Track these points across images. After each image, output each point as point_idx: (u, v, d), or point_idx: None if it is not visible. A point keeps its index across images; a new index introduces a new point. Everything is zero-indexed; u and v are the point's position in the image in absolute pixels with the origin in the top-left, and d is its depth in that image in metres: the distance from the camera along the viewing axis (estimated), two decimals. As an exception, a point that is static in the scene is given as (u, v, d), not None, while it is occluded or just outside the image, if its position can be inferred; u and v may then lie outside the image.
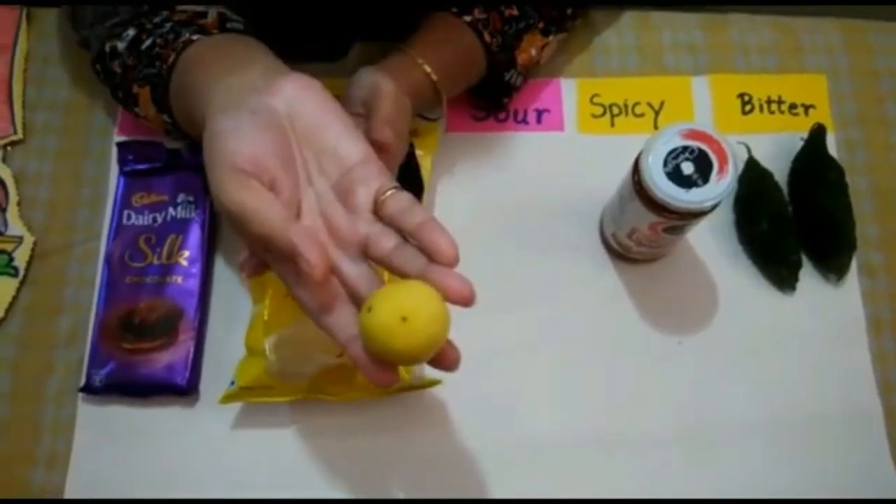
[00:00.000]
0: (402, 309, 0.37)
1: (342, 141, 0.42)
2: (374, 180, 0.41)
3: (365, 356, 0.39)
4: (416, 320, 0.37)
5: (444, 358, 0.39)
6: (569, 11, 0.64)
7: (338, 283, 0.41)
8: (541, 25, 0.62)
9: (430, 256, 0.39)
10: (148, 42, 0.52)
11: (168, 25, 0.52)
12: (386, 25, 0.61)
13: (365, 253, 0.41)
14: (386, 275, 0.43)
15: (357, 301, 0.41)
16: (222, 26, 0.52)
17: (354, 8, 0.63)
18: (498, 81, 0.62)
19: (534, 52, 0.62)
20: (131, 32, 0.54)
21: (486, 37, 0.58)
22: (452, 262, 0.38)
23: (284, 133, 0.41)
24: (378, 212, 0.41)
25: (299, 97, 0.42)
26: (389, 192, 0.41)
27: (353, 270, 0.41)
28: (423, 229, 0.39)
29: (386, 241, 0.40)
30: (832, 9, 0.72)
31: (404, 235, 0.41)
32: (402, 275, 0.40)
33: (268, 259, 0.42)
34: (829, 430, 0.60)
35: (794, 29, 0.71)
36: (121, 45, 0.54)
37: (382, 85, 0.51)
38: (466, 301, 0.38)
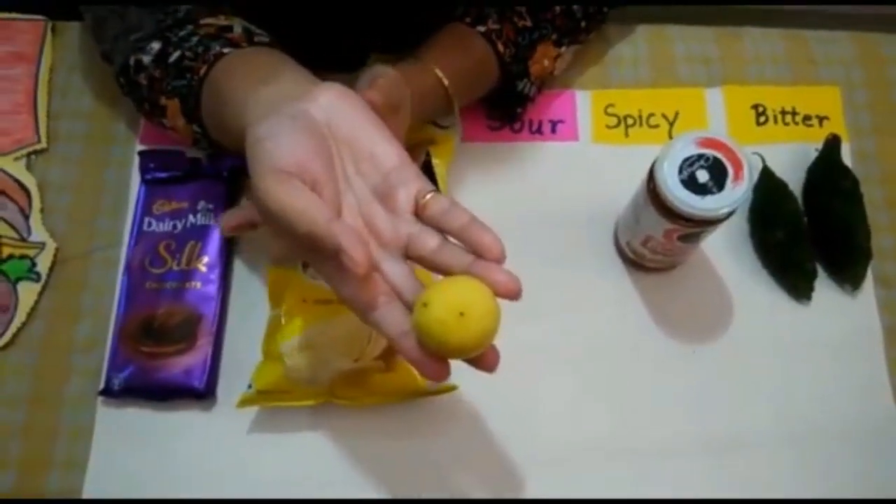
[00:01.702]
0: (460, 304, 0.37)
1: (378, 145, 0.43)
2: (412, 183, 0.42)
3: (418, 351, 0.39)
4: (473, 315, 0.37)
5: (486, 359, 0.40)
6: (583, 24, 0.64)
7: (382, 280, 0.41)
8: (554, 37, 0.62)
9: (478, 254, 0.40)
10: (176, 55, 0.53)
11: (195, 39, 0.53)
12: (401, 37, 0.62)
13: (406, 254, 0.42)
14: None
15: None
16: (250, 40, 0.53)
17: (369, 20, 0.64)
18: (511, 92, 0.63)
19: (547, 62, 0.63)
20: (156, 46, 0.55)
21: (500, 47, 0.59)
22: (501, 259, 0.39)
23: (323, 137, 0.42)
24: (420, 213, 0.42)
25: (335, 104, 0.43)
26: (430, 195, 0.42)
27: (396, 271, 0.42)
28: (469, 228, 0.40)
29: (429, 240, 0.41)
30: (845, 21, 0.73)
31: (444, 236, 0.41)
32: (447, 272, 0.40)
33: (311, 260, 0.42)
34: (844, 439, 0.60)
35: (807, 41, 0.72)
36: (146, 59, 0.55)
37: (380, 68, 0.50)
38: (514, 295, 0.39)
